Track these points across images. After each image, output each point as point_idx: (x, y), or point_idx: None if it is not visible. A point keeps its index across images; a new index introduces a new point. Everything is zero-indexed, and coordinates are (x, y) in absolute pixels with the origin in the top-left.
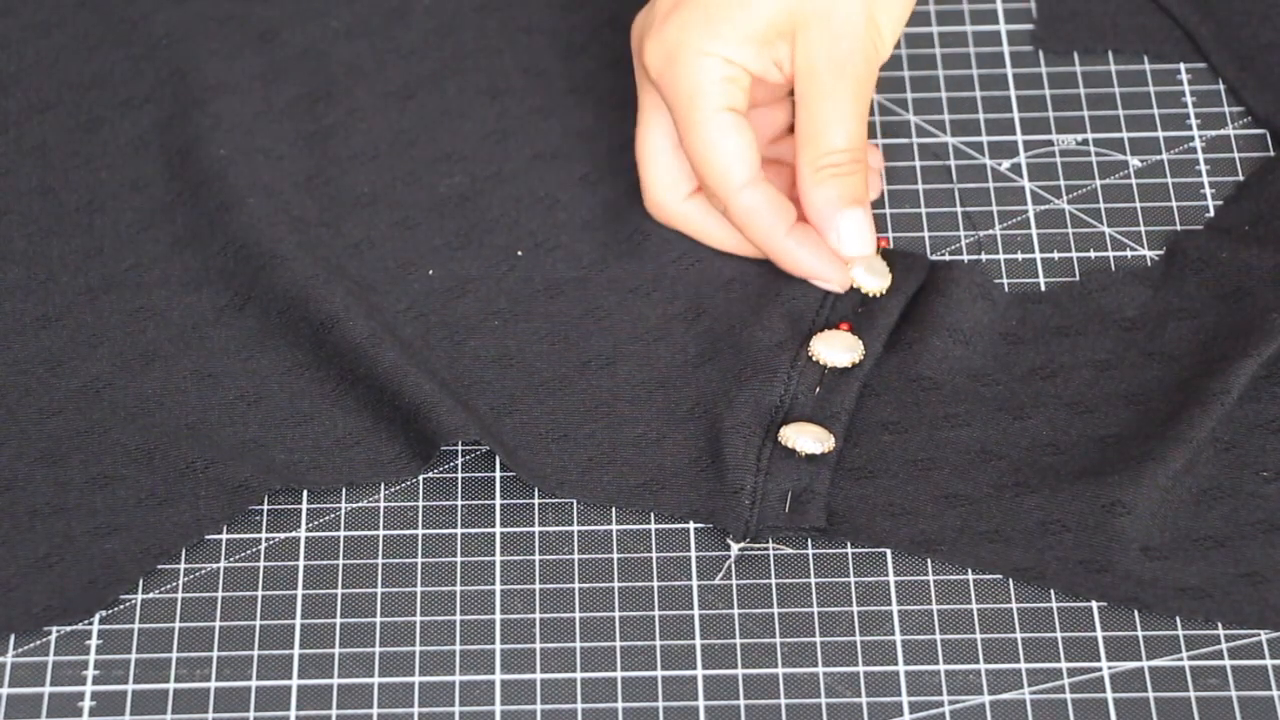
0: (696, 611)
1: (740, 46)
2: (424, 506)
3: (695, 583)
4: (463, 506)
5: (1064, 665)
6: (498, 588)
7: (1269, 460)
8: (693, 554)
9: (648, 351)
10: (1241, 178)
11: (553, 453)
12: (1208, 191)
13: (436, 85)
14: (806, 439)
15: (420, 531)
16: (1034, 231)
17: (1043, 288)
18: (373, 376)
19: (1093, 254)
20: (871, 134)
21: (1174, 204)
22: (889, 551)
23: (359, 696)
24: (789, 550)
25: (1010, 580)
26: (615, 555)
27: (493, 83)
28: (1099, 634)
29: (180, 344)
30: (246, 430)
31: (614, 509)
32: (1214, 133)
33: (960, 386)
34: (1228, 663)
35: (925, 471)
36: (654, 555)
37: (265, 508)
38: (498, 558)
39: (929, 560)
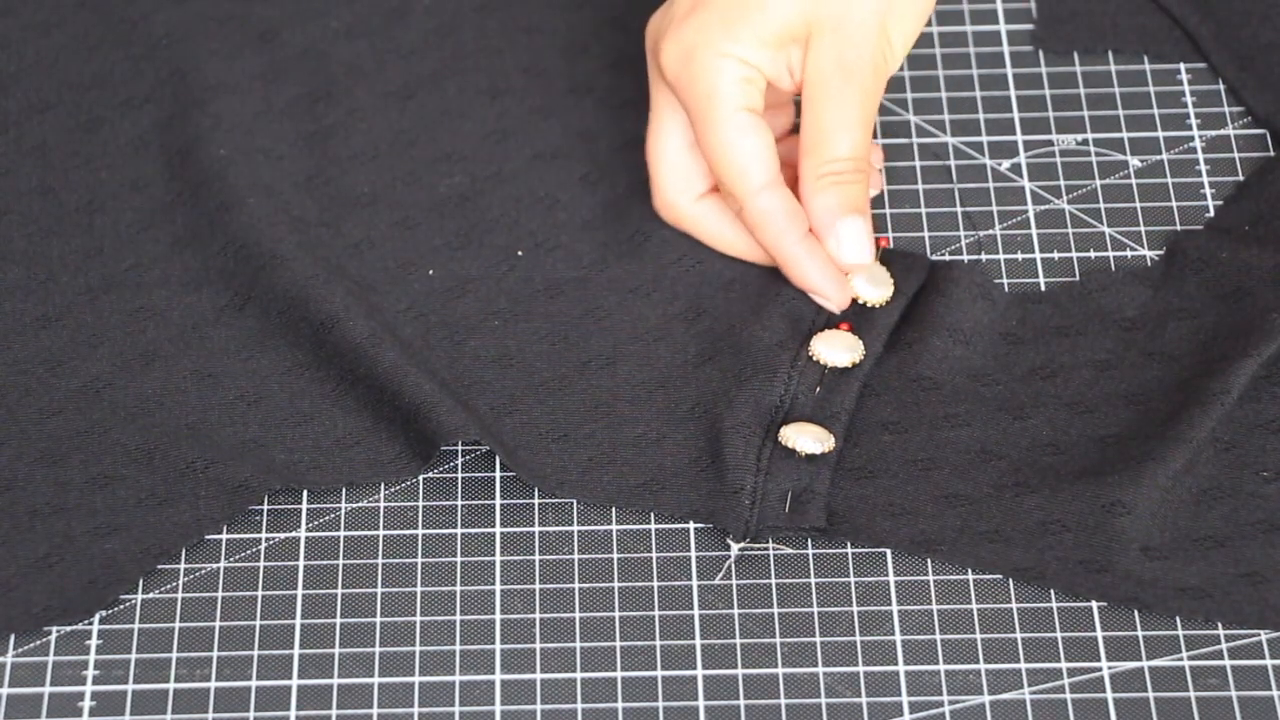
0: (696, 611)
1: (757, 49)
2: (424, 506)
3: (695, 583)
4: (463, 506)
5: (1064, 665)
6: (498, 588)
7: (1269, 460)
8: (693, 554)
9: (648, 351)
10: (1241, 178)
11: (553, 453)
12: (1208, 191)
13: (436, 85)
14: (806, 439)
15: (420, 531)
16: (1034, 231)
17: (1043, 288)
18: (373, 376)
19: (1093, 254)
20: (872, 134)
21: (1174, 204)
22: (889, 551)
23: (359, 696)
24: (789, 550)
25: (1010, 580)
26: (615, 555)
27: (493, 83)
28: (1099, 634)
29: (180, 344)
30: (246, 430)
31: (614, 509)
32: (1214, 133)
33: (960, 386)
34: (1228, 663)
35: (925, 471)
36: (654, 555)
37: (265, 508)
38: (498, 558)
39: (929, 560)
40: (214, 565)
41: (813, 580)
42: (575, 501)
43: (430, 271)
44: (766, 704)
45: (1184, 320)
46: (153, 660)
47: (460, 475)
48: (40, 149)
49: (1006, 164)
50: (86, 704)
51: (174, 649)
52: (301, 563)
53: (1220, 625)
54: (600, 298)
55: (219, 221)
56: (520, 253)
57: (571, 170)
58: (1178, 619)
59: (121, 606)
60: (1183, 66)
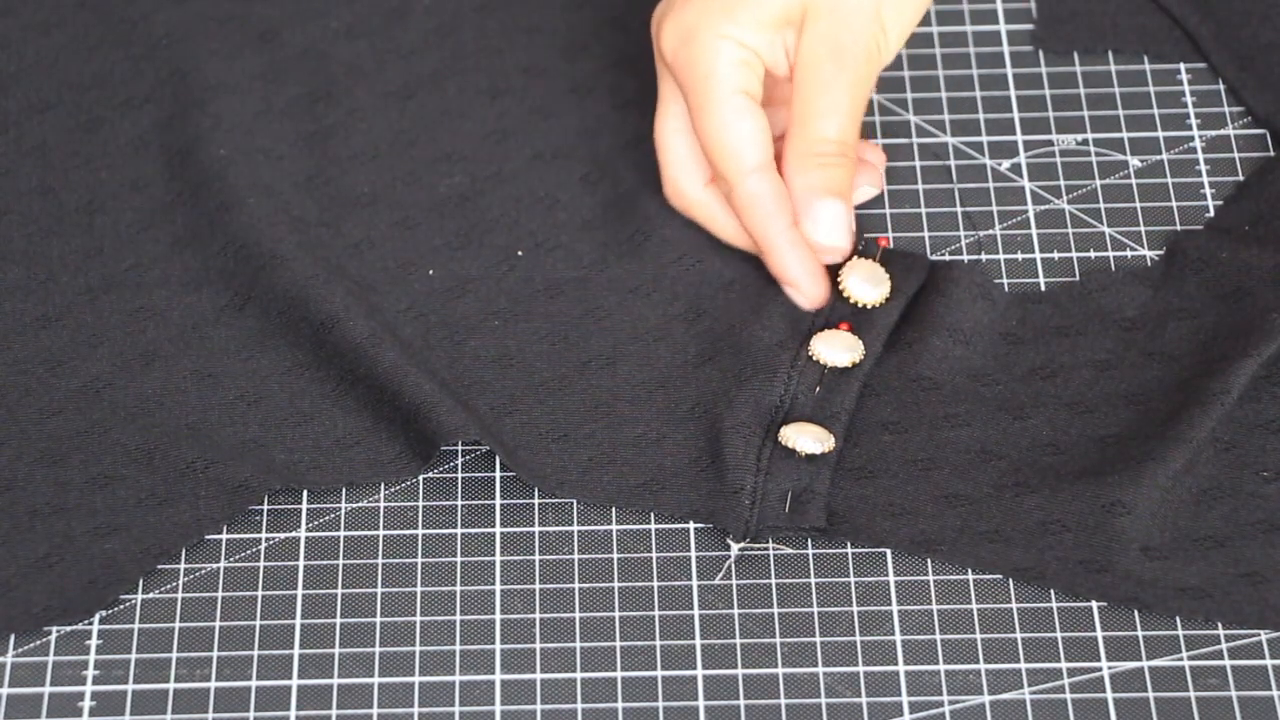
0: (696, 611)
1: (755, 31)
2: (424, 506)
3: (695, 583)
4: (463, 506)
5: (1064, 665)
6: (498, 588)
7: (1269, 460)
8: (693, 554)
9: (648, 351)
10: (1241, 178)
11: (553, 453)
12: (1208, 191)
13: (436, 85)
14: (806, 439)
15: (420, 531)
16: (1034, 231)
17: (1043, 288)
18: (373, 376)
19: (1093, 254)
20: (871, 134)
21: (1174, 204)
22: (889, 551)
23: (359, 696)
24: (789, 550)
25: (1010, 580)
26: (615, 555)
27: (493, 83)
28: (1099, 634)
29: (180, 344)
30: (246, 430)
31: (614, 509)
32: (1214, 133)
33: (960, 386)
34: (1228, 663)
35: (925, 471)
36: (654, 555)
37: (265, 508)
38: (498, 558)
39: (929, 560)
40: (214, 565)
41: (813, 580)
42: (575, 501)
43: (430, 271)
44: (766, 704)
45: (1184, 320)
46: (153, 660)
47: (460, 475)
48: (40, 149)
49: (1006, 164)
50: (86, 704)
51: (174, 649)
52: (301, 563)
53: (1220, 625)
54: (600, 298)
55: (219, 221)
56: (520, 253)
57: (571, 170)
58: (1178, 619)
59: (121, 606)
60: (1183, 66)
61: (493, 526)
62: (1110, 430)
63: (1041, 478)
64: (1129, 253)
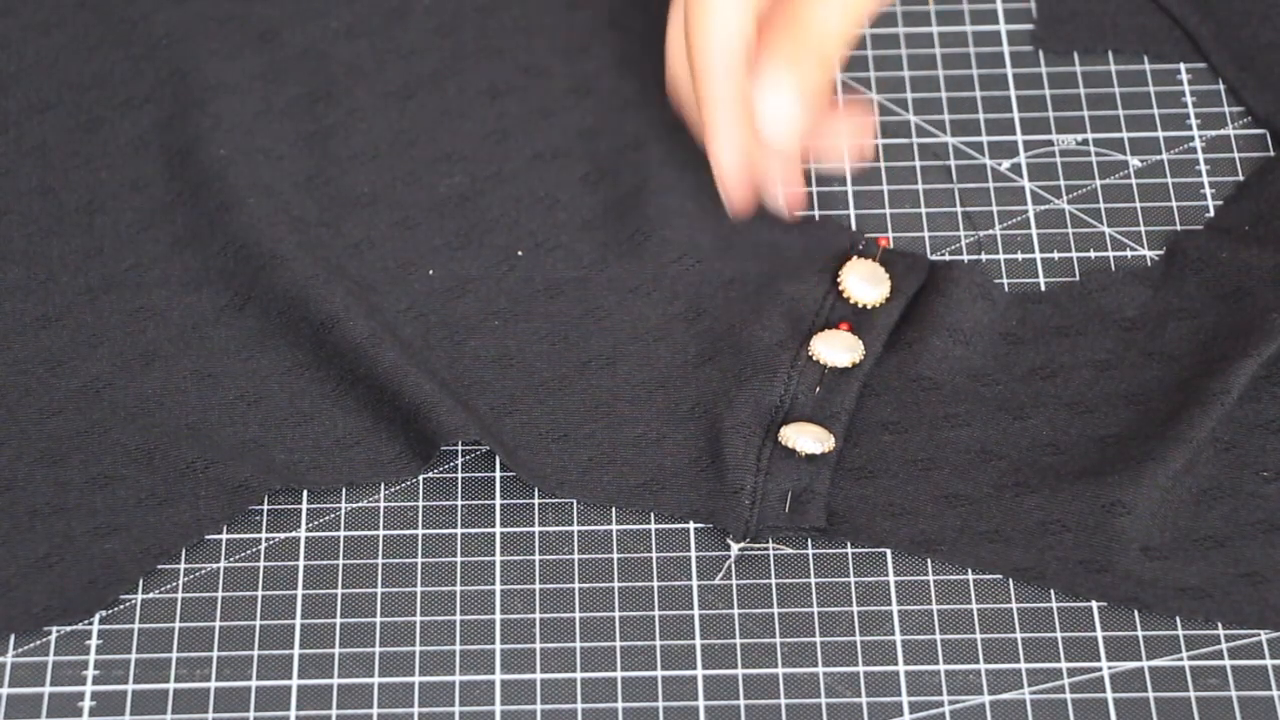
0: (696, 611)
1: None
2: (424, 506)
3: (695, 583)
4: (463, 506)
5: (1064, 665)
6: (498, 588)
7: (1269, 460)
8: (693, 554)
9: (648, 351)
10: (1241, 178)
11: (553, 453)
12: (1208, 191)
13: (436, 85)
14: (806, 439)
15: (420, 531)
16: (1034, 231)
17: (1043, 288)
18: (373, 376)
19: (1093, 254)
20: (872, 134)
21: (1174, 204)
22: (889, 551)
23: (359, 696)
24: (789, 550)
25: (1010, 580)
26: (615, 555)
27: (493, 83)
28: (1099, 634)
29: (180, 344)
30: (246, 430)
31: (614, 509)
32: (1214, 133)
33: (960, 386)
34: (1228, 663)
35: (925, 471)
36: (654, 555)
37: (265, 508)
38: (498, 558)
39: (929, 560)
40: (214, 565)
41: (813, 580)
42: (575, 501)
43: (430, 271)
44: (766, 704)
45: (1184, 320)
46: (153, 660)
47: (460, 475)
48: (40, 149)
49: (1006, 164)
50: (86, 704)
51: (174, 649)
52: (301, 563)
53: (1220, 625)
54: (600, 298)
55: (219, 221)
56: (520, 253)
57: (571, 170)
58: (1178, 619)
59: (121, 606)
60: (1183, 66)
61: (493, 526)
62: (1110, 430)
63: (1041, 478)
64: (1129, 253)
